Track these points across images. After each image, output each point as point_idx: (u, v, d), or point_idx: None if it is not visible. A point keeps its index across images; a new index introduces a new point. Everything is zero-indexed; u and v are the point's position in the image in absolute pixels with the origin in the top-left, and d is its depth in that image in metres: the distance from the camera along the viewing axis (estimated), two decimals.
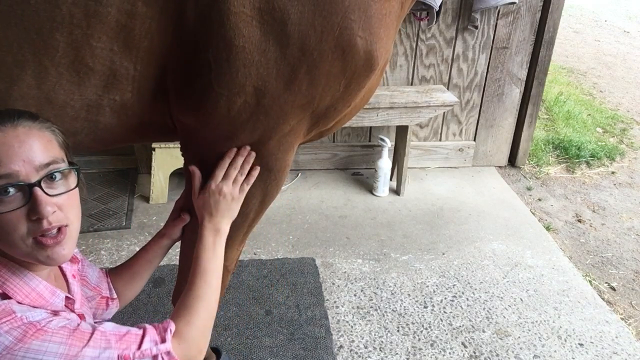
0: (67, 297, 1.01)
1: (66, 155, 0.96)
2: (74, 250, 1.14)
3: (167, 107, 1.10)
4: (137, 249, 2.39)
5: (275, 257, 2.44)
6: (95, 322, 1.23)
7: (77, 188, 0.95)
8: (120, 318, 1.99)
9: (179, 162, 1.23)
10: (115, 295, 1.31)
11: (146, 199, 2.85)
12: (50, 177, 0.90)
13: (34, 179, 0.88)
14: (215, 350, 1.78)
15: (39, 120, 0.93)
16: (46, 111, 1.02)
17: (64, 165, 0.93)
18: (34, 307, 0.93)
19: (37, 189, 0.87)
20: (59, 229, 0.91)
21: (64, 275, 1.13)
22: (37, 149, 0.89)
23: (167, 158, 2.74)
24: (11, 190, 0.86)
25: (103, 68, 1.00)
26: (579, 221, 2.94)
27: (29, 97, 0.99)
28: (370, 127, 3.20)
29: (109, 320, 1.20)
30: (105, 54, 0.98)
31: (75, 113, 1.04)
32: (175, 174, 2.86)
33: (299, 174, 3.22)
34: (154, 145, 2.70)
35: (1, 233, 0.88)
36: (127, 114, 1.08)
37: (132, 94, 1.05)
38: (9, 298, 0.91)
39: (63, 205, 0.91)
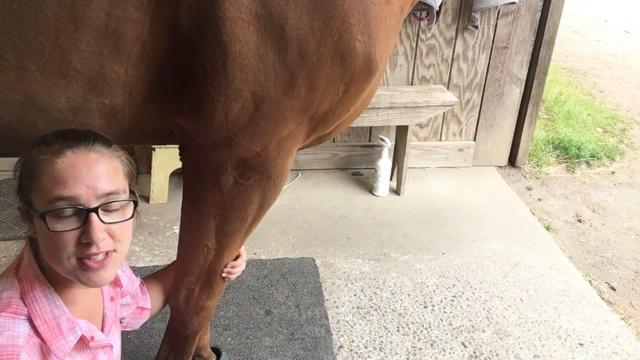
0: (82, 337, 1.02)
1: (130, 185, 0.99)
2: (118, 273, 1.18)
3: (164, 110, 1.09)
4: (137, 249, 2.42)
5: (275, 257, 2.44)
6: (127, 329, 1.30)
7: (131, 219, 0.98)
8: None
9: (179, 162, 1.23)
10: (149, 306, 1.35)
11: (146, 198, 2.85)
12: (107, 206, 0.93)
13: (93, 204, 0.91)
14: (215, 350, 1.79)
15: (112, 147, 0.96)
16: (31, 114, 1.00)
17: (123, 197, 0.96)
18: (45, 339, 0.95)
19: (93, 215, 0.90)
20: (106, 253, 0.94)
21: (103, 296, 1.16)
22: (103, 177, 0.92)
23: (167, 158, 2.74)
24: (70, 212, 0.89)
25: (92, 72, 0.98)
26: (579, 221, 2.94)
27: (13, 100, 0.98)
28: (370, 127, 3.20)
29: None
30: (95, 58, 0.96)
31: (62, 115, 1.02)
32: (175, 174, 2.86)
33: (299, 174, 3.22)
34: (153, 145, 2.70)
35: (51, 249, 0.91)
36: (116, 117, 1.07)
37: (122, 98, 1.03)
38: (32, 319, 0.94)
39: (115, 233, 0.94)
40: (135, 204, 0.99)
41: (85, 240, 0.90)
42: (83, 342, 1.03)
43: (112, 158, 0.95)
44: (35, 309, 0.95)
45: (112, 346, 1.12)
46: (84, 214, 0.90)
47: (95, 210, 0.90)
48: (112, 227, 0.93)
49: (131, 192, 0.99)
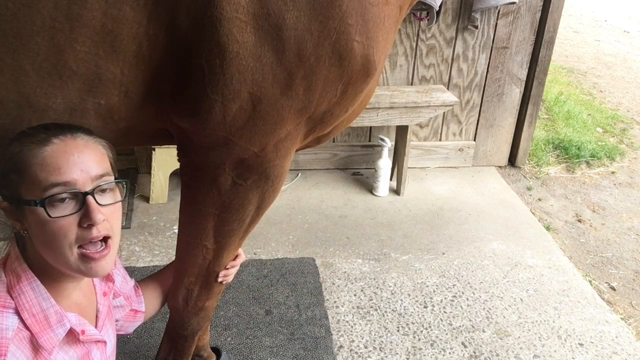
0: (71, 329, 1.02)
1: (113, 169, 1.02)
2: (112, 269, 1.19)
3: (161, 111, 1.08)
4: (137, 249, 2.42)
5: (275, 257, 2.44)
6: (120, 333, 1.30)
7: (121, 201, 1.00)
8: None
9: None
10: (144, 309, 1.35)
11: (146, 198, 2.85)
12: (101, 188, 0.95)
13: (88, 188, 0.93)
14: (215, 350, 1.79)
15: (93, 135, 0.99)
16: (27, 115, 1.00)
17: (113, 178, 0.99)
18: (33, 332, 0.95)
19: (90, 197, 0.92)
20: (105, 243, 0.96)
21: (95, 291, 1.16)
22: (93, 160, 0.95)
23: (167, 158, 2.74)
24: (67, 197, 0.91)
25: (88, 72, 0.97)
26: (579, 221, 2.94)
27: (8, 100, 0.97)
28: (370, 127, 3.20)
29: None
30: (90, 58, 0.96)
31: (58, 116, 1.02)
32: (175, 174, 2.86)
33: (299, 174, 3.22)
34: (152, 145, 2.70)
35: (51, 240, 0.92)
36: (113, 117, 1.06)
37: (118, 98, 1.03)
38: (19, 312, 0.94)
39: (109, 216, 0.96)
40: (126, 184, 1.03)
41: (85, 223, 0.91)
42: (73, 336, 1.03)
43: (96, 143, 0.99)
44: (22, 302, 0.95)
45: (105, 342, 1.12)
46: (80, 198, 0.92)
47: (91, 192, 0.92)
48: (107, 210, 0.96)
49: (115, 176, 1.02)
